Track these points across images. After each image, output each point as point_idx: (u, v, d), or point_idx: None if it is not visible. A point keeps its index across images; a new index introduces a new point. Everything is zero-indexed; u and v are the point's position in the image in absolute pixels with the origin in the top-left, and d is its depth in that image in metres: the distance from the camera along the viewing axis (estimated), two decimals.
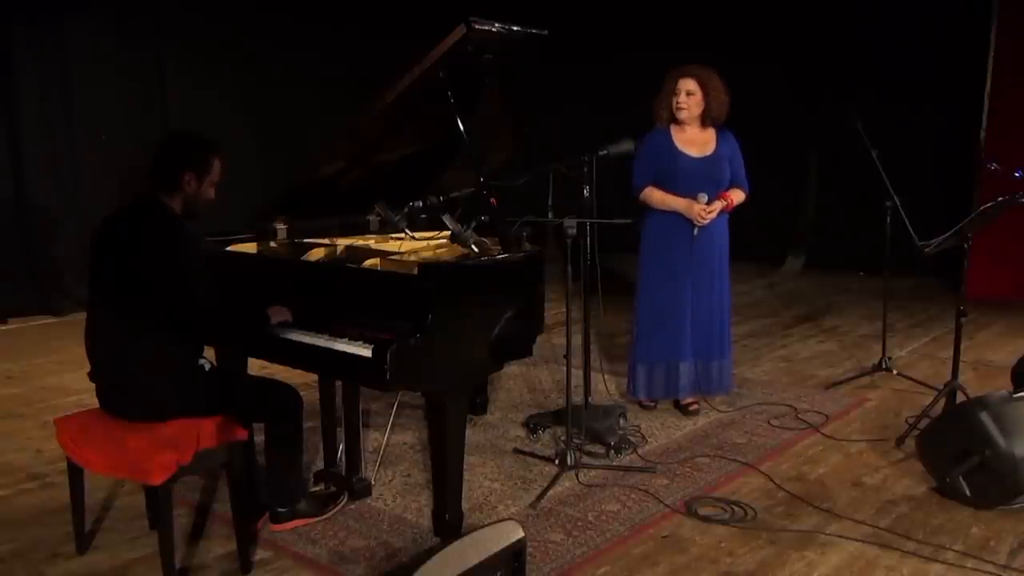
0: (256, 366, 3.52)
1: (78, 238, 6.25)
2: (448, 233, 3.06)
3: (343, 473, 3.26)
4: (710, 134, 3.97)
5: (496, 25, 2.84)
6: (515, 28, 2.90)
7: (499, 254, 3.01)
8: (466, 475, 3.00)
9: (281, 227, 3.50)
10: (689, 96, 3.89)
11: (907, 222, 4.07)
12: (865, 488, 3.32)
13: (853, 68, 7.97)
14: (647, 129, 4.02)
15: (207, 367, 2.74)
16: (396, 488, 3.32)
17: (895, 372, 4.71)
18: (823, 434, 3.89)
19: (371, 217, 3.69)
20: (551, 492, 3.23)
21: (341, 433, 3.24)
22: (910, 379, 4.62)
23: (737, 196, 4.00)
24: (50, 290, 6.51)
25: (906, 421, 3.91)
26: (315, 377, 3.43)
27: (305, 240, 3.46)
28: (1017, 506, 3.08)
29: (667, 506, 3.14)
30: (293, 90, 7.48)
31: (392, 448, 3.71)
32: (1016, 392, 3.17)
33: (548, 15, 4.06)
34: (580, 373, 3.94)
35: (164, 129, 6.72)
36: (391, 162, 3.39)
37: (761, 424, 4.03)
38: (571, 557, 2.77)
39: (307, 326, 2.81)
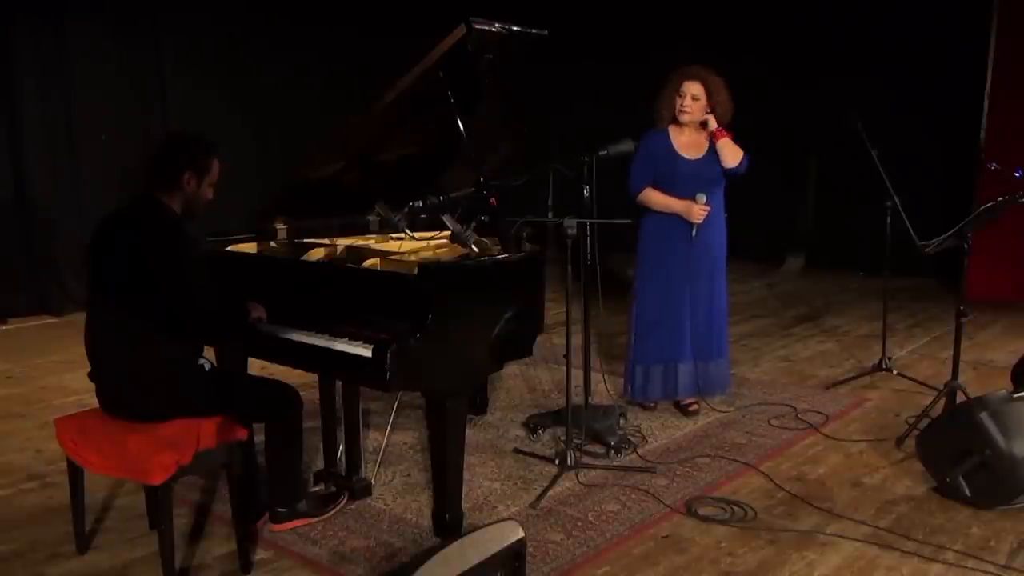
0: (256, 366, 3.52)
1: (78, 238, 6.25)
2: (448, 233, 3.06)
3: (343, 473, 3.26)
4: (704, 136, 3.97)
5: (496, 25, 2.84)
6: (515, 28, 2.90)
7: (499, 254, 3.01)
8: (466, 475, 3.00)
9: (281, 227, 3.50)
10: (694, 100, 3.87)
11: (907, 222, 4.06)
12: (865, 488, 3.32)
13: (853, 68, 7.97)
14: (648, 129, 4.02)
15: (207, 367, 2.74)
16: (396, 488, 3.32)
17: (895, 372, 4.71)
18: (823, 434, 3.89)
19: (371, 217, 3.69)
20: (551, 492, 3.23)
21: (341, 433, 3.24)
22: (910, 379, 4.61)
23: (734, 148, 3.90)
24: (50, 290, 6.51)
25: (906, 421, 3.91)
26: (315, 377, 3.43)
27: (305, 240, 3.46)
28: (1017, 506, 3.08)
29: (667, 506, 3.14)
30: (293, 90, 7.48)
31: (392, 448, 3.71)
32: (1016, 392, 3.17)
33: (548, 15, 4.05)
34: (580, 373, 3.94)
35: (164, 129, 6.72)
36: (391, 162, 3.39)
37: (761, 424, 4.03)
38: (571, 557, 2.77)
39: (307, 326, 2.81)
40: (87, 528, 2.87)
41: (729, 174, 3.96)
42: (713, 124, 3.90)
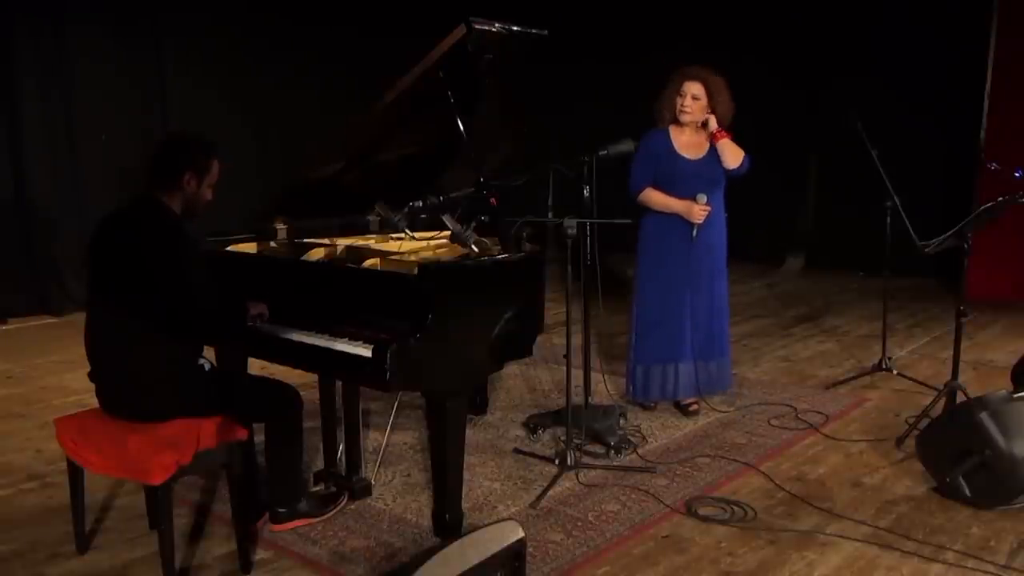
0: (256, 366, 3.52)
1: (78, 238, 6.25)
2: (448, 233, 3.06)
3: (343, 473, 3.26)
4: (705, 136, 3.97)
5: (496, 25, 2.84)
6: (515, 28, 2.90)
7: (499, 254, 3.01)
8: (466, 475, 3.00)
9: (281, 227, 3.50)
10: (695, 100, 3.87)
11: (907, 222, 4.06)
12: (865, 488, 3.32)
13: (853, 68, 7.97)
14: (648, 129, 4.01)
15: (207, 367, 2.74)
16: (396, 488, 3.32)
17: (895, 372, 4.71)
18: (823, 434, 3.89)
19: (371, 217, 3.69)
20: (551, 492, 3.23)
21: (341, 433, 3.24)
22: (910, 379, 4.61)
23: (735, 149, 3.92)
24: (50, 290, 6.51)
25: (906, 421, 3.91)
26: (315, 377, 3.43)
27: (305, 240, 3.46)
28: (1017, 506, 3.08)
29: (667, 506, 3.14)
30: (293, 90, 7.48)
31: (392, 448, 3.71)
32: (1016, 392, 3.17)
33: (548, 15, 4.05)
34: (580, 373, 3.94)
35: (164, 129, 6.72)
36: (391, 162, 3.39)
37: (761, 424, 4.03)
38: (571, 557, 2.77)
39: (307, 326, 2.81)
40: (87, 528, 2.87)
41: (731, 175, 3.96)
42: (713, 125, 3.90)
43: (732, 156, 3.91)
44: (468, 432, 3.05)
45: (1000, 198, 3.62)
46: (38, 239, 6.46)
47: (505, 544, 2.23)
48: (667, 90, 3.96)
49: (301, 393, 2.89)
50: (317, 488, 3.28)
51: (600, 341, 5.43)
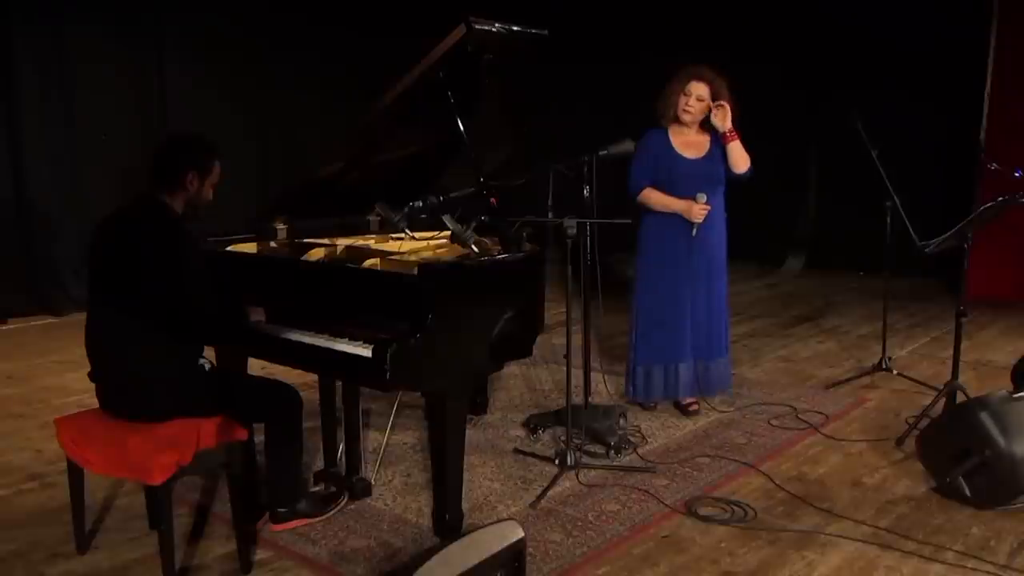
0: (256, 366, 3.53)
1: (78, 238, 6.26)
2: (448, 233, 3.06)
3: (343, 473, 3.26)
4: (705, 136, 3.97)
5: (496, 25, 2.84)
6: (515, 28, 2.90)
7: (499, 254, 3.01)
8: (466, 475, 3.00)
9: (281, 227, 3.50)
10: (699, 101, 3.87)
11: (907, 222, 4.06)
12: (865, 488, 3.32)
13: (853, 68, 7.97)
14: (648, 128, 4.01)
15: (207, 367, 2.74)
16: (396, 488, 3.32)
17: (895, 372, 4.71)
18: (823, 434, 3.89)
19: (371, 217, 3.69)
20: (551, 492, 3.24)
21: (341, 433, 3.24)
22: (910, 379, 4.62)
23: (744, 153, 3.92)
24: (50, 290, 6.51)
25: (906, 421, 3.91)
26: (315, 377, 3.43)
27: (305, 240, 3.46)
28: (1017, 506, 3.08)
29: (667, 506, 3.14)
30: (293, 90, 7.48)
31: (392, 448, 3.71)
32: (1016, 392, 3.17)
33: (548, 15, 4.05)
34: (580, 373, 3.94)
35: (164, 129, 6.73)
36: (391, 162, 3.39)
37: (761, 424, 4.03)
38: (571, 557, 2.77)
39: (307, 326, 2.81)
40: (87, 528, 2.87)
41: (735, 179, 3.96)
42: (727, 124, 3.87)
43: (742, 160, 3.91)
44: (468, 432, 3.04)
45: (1000, 198, 3.62)
46: (38, 239, 6.46)
47: (505, 544, 2.24)
48: (670, 88, 3.94)
49: (301, 393, 2.88)
50: (317, 488, 3.28)
51: (600, 341, 5.42)
